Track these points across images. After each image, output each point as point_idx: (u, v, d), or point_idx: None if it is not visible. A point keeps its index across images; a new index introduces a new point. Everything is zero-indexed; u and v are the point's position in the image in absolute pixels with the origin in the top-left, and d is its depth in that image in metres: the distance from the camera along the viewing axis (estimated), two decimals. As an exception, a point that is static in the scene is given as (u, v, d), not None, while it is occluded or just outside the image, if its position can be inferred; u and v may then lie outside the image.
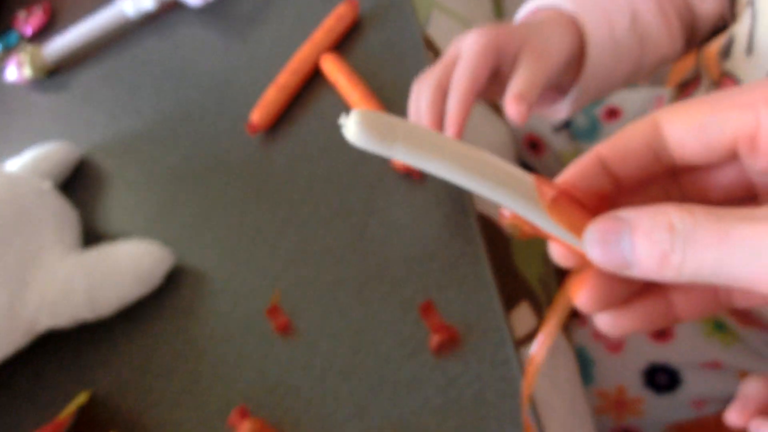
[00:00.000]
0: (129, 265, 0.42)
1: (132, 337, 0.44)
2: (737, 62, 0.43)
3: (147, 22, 0.67)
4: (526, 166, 0.76)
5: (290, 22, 0.62)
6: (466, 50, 0.41)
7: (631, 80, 0.50)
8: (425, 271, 0.44)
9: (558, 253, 0.24)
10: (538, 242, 0.56)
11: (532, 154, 0.74)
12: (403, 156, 0.22)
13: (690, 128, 0.23)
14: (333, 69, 0.55)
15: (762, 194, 0.24)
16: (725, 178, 0.25)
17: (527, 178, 0.23)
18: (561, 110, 0.49)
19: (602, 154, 0.24)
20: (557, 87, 0.49)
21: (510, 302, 0.47)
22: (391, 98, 0.53)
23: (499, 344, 0.40)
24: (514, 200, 0.23)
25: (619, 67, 0.46)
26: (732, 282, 0.19)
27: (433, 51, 0.59)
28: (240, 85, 0.58)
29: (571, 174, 0.25)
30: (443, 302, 0.43)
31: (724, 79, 0.46)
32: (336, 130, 0.53)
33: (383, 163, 0.49)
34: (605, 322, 0.25)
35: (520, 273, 0.50)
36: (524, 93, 0.38)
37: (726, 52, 0.45)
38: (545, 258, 0.56)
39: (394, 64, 0.56)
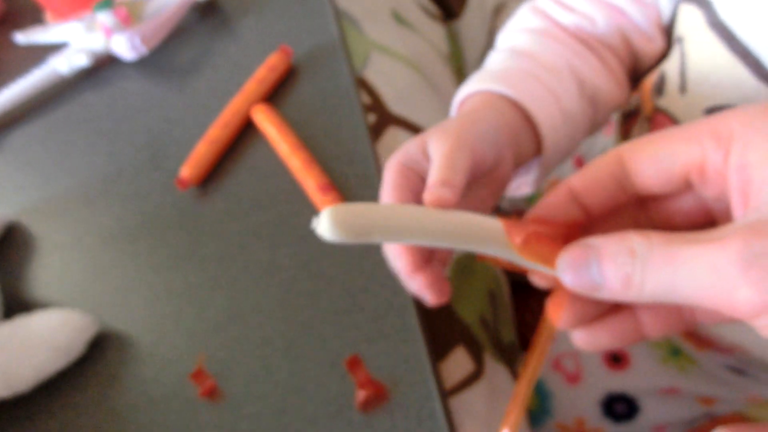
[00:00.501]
0: (46, 336, 0.41)
1: (52, 411, 0.43)
2: (671, 99, 0.43)
3: (82, 78, 0.66)
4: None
5: (226, 71, 0.62)
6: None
7: (587, 137, 0.48)
8: (354, 323, 0.43)
9: (535, 278, 0.27)
10: (478, 280, 0.55)
11: None
12: (379, 241, 0.25)
13: (647, 161, 0.25)
14: (264, 120, 0.54)
15: (719, 219, 0.26)
16: (686, 205, 0.27)
17: (497, 226, 0.26)
18: (523, 186, 0.45)
19: (573, 186, 0.27)
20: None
21: (445, 348, 0.46)
22: (322, 147, 0.53)
23: (426, 398, 0.39)
24: (488, 248, 0.26)
25: (575, 134, 0.43)
26: (683, 300, 0.21)
27: (370, 94, 0.59)
28: (174, 139, 0.58)
29: (543, 206, 0.28)
30: (371, 356, 0.42)
31: (658, 115, 0.45)
32: (267, 182, 0.52)
33: (313, 213, 0.49)
34: (580, 337, 0.27)
35: (457, 315, 0.49)
36: (443, 176, 0.30)
37: (659, 89, 0.45)
38: (487, 296, 0.55)
39: (327, 112, 0.56)
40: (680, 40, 0.41)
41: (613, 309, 0.27)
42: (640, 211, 0.28)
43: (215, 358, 0.44)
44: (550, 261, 0.25)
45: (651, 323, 0.27)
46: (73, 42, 0.66)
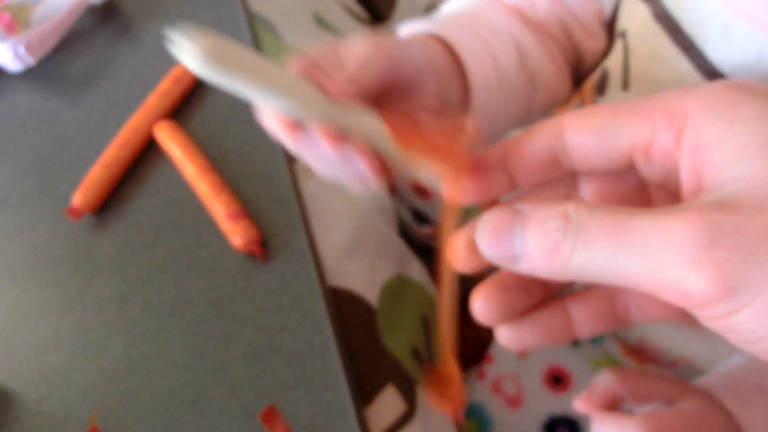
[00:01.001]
0: None
1: None
2: (613, 98, 0.41)
3: (-40, 93, 0.59)
4: (416, 211, 0.72)
5: (126, 83, 0.56)
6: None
7: (522, 121, 0.47)
8: (270, 368, 0.39)
9: (458, 260, 0.23)
10: (409, 306, 0.52)
11: (419, 196, 0.71)
12: (244, 85, 0.23)
13: (590, 133, 0.23)
14: (167, 139, 0.49)
15: (658, 205, 0.24)
16: (623, 187, 0.25)
17: (374, 117, 0.26)
18: None
19: (505, 149, 0.25)
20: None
21: (372, 389, 0.42)
22: (233, 167, 0.48)
23: (351, 451, 0.36)
24: (360, 128, 0.26)
25: (509, 104, 0.42)
26: (617, 280, 0.19)
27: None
28: (67, 161, 0.52)
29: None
30: (290, 404, 0.37)
31: None
32: (172, 209, 0.47)
33: (223, 244, 0.44)
34: (506, 335, 0.25)
35: (387, 350, 0.46)
36: (351, 76, 0.28)
37: (600, 87, 0.43)
38: (420, 322, 0.52)
39: (239, 128, 0.51)
40: (624, 34, 0.40)
41: (542, 304, 0.25)
42: (572, 189, 0.26)
43: (112, 415, 0.39)
44: (424, 158, 0.25)
45: (582, 320, 0.25)
46: (-52, 51, 0.58)
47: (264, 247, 0.44)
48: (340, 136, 0.27)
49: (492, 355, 0.60)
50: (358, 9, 0.87)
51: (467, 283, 0.27)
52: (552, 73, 0.46)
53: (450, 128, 0.28)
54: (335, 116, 0.26)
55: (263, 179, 0.47)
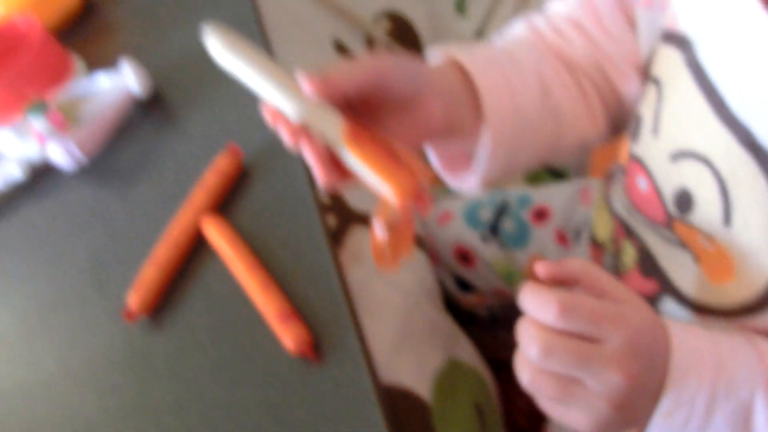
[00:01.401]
0: None
1: None
2: (644, 144, 0.41)
3: (18, 194, 0.61)
4: (460, 279, 0.72)
5: (172, 173, 0.57)
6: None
7: (549, 157, 0.48)
8: (329, 479, 0.39)
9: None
10: (462, 395, 0.51)
11: (463, 265, 0.71)
12: (245, 72, 0.35)
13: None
14: (215, 235, 0.50)
15: None
16: None
17: (338, 118, 0.34)
18: (469, 180, 0.46)
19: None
20: (465, 154, 0.46)
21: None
22: (280, 261, 0.49)
23: None
24: (321, 126, 0.34)
25: (529, 137, 0.44)
26: None
27: (329, 195, 0.55)
28: (120, 258, 0.53)
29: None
30: None
31: (632, 163, 0.43)
32: (224, 308, 0.48)
33: (275, 345, 0.44)
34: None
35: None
36: (329, 71, 0.35)
37: (634, 133, 0.43)
38: (474, 411, 0.51)
39: (284, 219, 0.52)
40: (657, 81, 0.40)
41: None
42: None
43: None
44: (375, 166, 0.33)
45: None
46: (4, 152, 0.61)
47: (315, 348, 0.44)
48: (299, 129, 0.34)
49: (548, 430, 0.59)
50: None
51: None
52: (582, 111, 0.46)
53: (408, 156, 0.34)
54: (300, 110, 0.34)
55: (309, 272, 0.48)
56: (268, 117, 0.35)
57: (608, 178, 0.55)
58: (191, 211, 0.52)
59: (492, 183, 0.46)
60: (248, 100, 0.60)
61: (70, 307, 0.52)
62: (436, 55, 0.44)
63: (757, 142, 0.32)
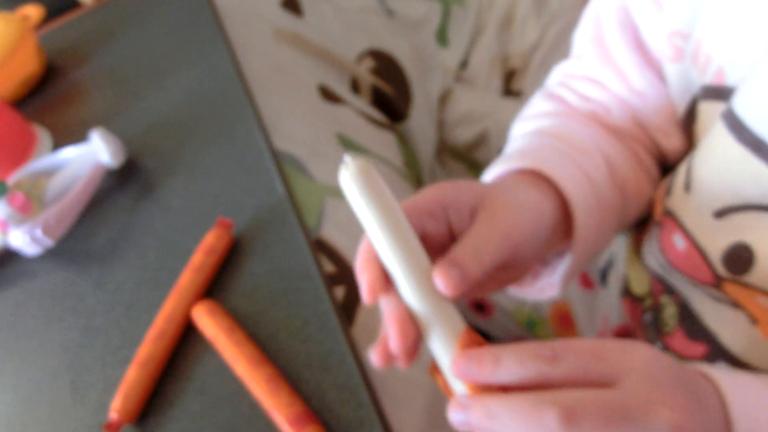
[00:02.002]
0: None
1: None
2: (677, 200, 0.38)
3: (-22, 284, 0.54)
4: (477, 329, 0.66)
5: (154, 256, 0.51)
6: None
7: (618, 230, 0.43)
8: None
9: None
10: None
11: (479, 315, 0.65)
12: (374, 218, 0.28)
13: None
14: (209, 324, 0.43)
15: None
16: None
17: (459, 324, 0.28)
18: (550, 287, 0.40)
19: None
20: (540, 260, 0.41)
21: None
22: (286, 348, 0.42)
23: None
24: (434, 332, 0.27)
25: (606, 224, 0.40)
26: None
27: (333, 259, 0.49)
28: (98, 356, 0.46)
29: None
30: None
31: (665, 219, 0.39)
32: (223, 409, 0.41)
33: (289, 454, 0.38)
34: None
35: None
36: (461, 259, 0.28)
37: (669, 188, 0.39)
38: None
39: (285, 296, 0.45)
40: (693, 136, 0.37)
41: None
42: None
43: None
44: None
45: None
46: (-39, 240, 0.54)
47: (337, 453, 0.37)
48: (407, 320, 0.28)
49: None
50: (377, 114, 0.84)
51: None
52: (640, 179, 0.43)
53: None
54: (423, 307, 0.27)
55: (321, 359, 0.41)
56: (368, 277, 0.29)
57: (637, 227, 0.50)
58: (178, 296, 0.45)
59: (569, 283, 0.41)
60: (233, 164, 0.55)
61: (41, 418, 0.44)
62: (497, 169, 0.39)
63: None
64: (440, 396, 0.45)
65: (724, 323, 0.37)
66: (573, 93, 0.45)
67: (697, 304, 0.39)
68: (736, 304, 0.35)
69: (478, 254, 0.28)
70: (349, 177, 0.27)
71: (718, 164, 0.32)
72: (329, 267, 0.48)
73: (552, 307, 0.62)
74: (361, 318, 0.46)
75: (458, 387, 0.27)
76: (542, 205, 0.34)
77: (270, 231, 0.49)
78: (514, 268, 0.33)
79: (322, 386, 0.40)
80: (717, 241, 0.34)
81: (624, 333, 0.55)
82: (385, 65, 0.90)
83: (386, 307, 0.28)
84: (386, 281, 0.28)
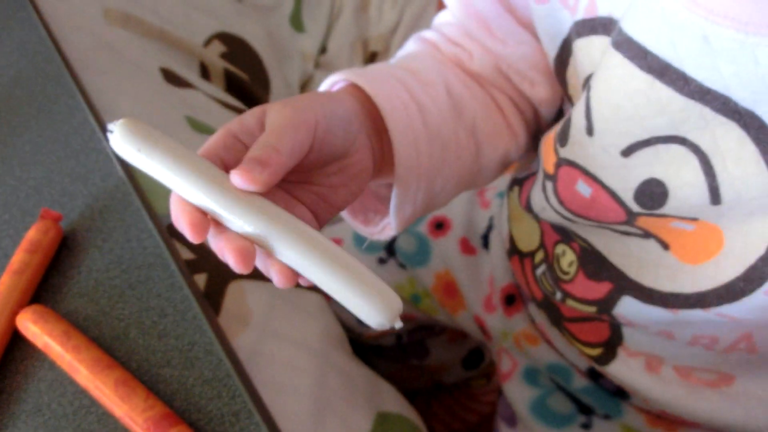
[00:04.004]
0: None
1: None
2: (578, 146, 0.36)
3: None
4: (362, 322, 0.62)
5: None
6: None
7: (470, 182, 0.41)
8: None
9: None
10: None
11: None
12: (156, 168, 0.25)
13: None
14: (36, 332, 0.36)
15: None
16: None
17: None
18: (388, 225, 0.38)
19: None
20: (378, 197, 0.40)
21: None
22: (139, 348, 0.36)
23: None
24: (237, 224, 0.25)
25: (447, 161, 0.38)
26: None
27: (187, 243, 0.43)
28: None
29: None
30: None
31: (562, 169, 0.38)
32: (66, 425, 0.34)
33: (151, 467, 0.32)
34: None
35: None
36: (255, 155, 0.26)
37: (562, 138, 0.37)
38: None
39: (137, 292, 0.39)
40: (587, 78, 0.34)
41: None
42: None
43: None
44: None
45: None
46: None
47: (210, 455, 0.32)
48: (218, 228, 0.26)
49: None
50: (232, 100, 0.78)
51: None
52: (499, 125, 0.41)
53: None
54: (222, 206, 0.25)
55: (183, 356, 0.36)
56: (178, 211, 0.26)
57: (518, 184, 0.49)
58: (-3, 305, 0.37)
59: (410, 222, 0.38)
60: (56, 149, 0.47)
61: None
62: (329, 80, 0.37)
63: (739, 107, 0.27)
64: (327, 379, 0.41)
65: (631, 256, 0.37)
66: (442, 37, 0.43)
67: (601, 245, 0.38)
68: (647, 235, 0.35)
69: (274, 147, 0.27)
70: (119, 139, 0.25)
71: (621, 99, 0.31)
72: (187, 254, 0.42)
73: (435, 278, 0.60)
74: (228, 305, 0.41)
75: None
76: (346, 101, 0.33)
77: (109, 220, 0.42)
78: (330, 164, 0.31)
79: (186, 384, 0.35)
80: (627, 180, 0.33)
81: (513, 291, 0.54)
82: (237, 50, 0.85)
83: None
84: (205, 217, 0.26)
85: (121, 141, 0.25)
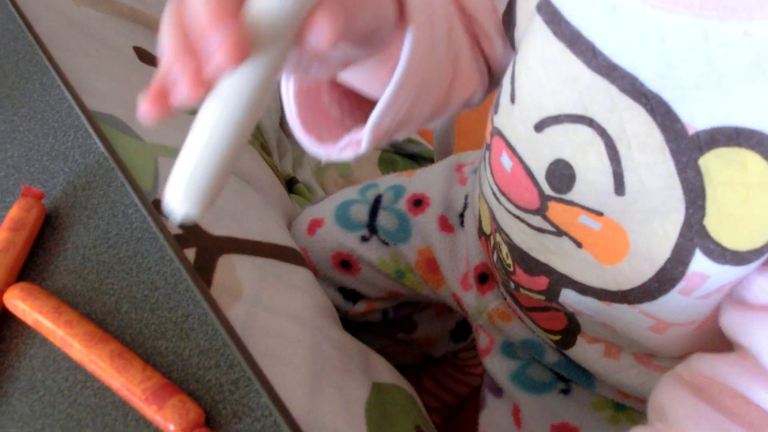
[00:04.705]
0: None
1: None
2: (504, 115, 0.34)
3: None
4: (345, 290, 0.62)
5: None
6: None
7: (438, 112, 0.39)
8: None
9: None
10: (402, 421, 0.42)
11: (346, 273, 0.61)
12: None
13: None
14: (26, 309, 0.35)
15: None
16: None
17: None
18: (350, 144, 0.35)
19: None
20: (329, 117, 0.36)
21: None
22: (132, 320, 0.36)
23: None
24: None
25: (435, 78, 0.35)
26: None
27: (180, 225, 0.43)
28: None
29: None
30: None
31: (495, 140, 0.36)
32: (67, 405, 0.34)
33: (152, 437, 0.32)
34: None
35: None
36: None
37: (496, 104, 0.36)
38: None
39: (126, 267, 0.38)
40: (518, 39, 0.33)
41: None
42: None
43: None
44: None
45: None
46: None
47: (210, 423, 0.32)
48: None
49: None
50: (207, 80, 0.77)
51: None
52: (473, 64, 0.40)
53: None
54: None
55: (177, 327, 0.36)
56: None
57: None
58: (-20, 286, 0.36)
59: (382, 141, 0.35)
60: (33, 127, 0.46)
61: None
62: None
63: (645, 88, 0.26)
64: (321, 350, 0.41)
65: (552, 253, 0.36)
66: None
67: (520, 241, 0.38)
68: (559, 231, 0.34)
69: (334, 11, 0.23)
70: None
71: (537, 67, 0.29)
72: (174, 229, 0.42)
73: (417, 254, 0.60)
74: (218, 279, 0.41)
75: None
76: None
77: (93, 196, 0.41)
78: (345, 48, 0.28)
79: (183, 354, 0.35)
80: (540, 158, 0.32)
81: (485, 269, 0.54)
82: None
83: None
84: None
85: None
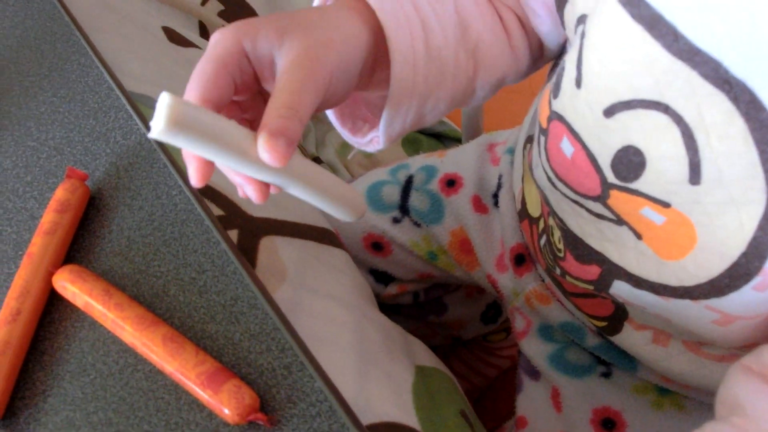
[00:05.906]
0: None
1: None
2: (567, 99, 0.34)
3: None
4: (376, 272, 0.62)
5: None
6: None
7: (460, 100, 0.40)
8: None
9: None
10: (447, 414, 0.42)
11: (377, 255, 0.61)
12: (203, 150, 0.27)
13: None
14: (76, 292, 0.35)
15: None
16: None
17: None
18: (375, 138, 0.39)
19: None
20: (366, 102, 0.40)
21: None
22: (180, 304, 0.35)
23: None
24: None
25: (443, 82, 0.37)
26: None
27: (219, 201, 0.43)
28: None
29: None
30: None
31: (554, 125, 0.36)
32: (119, 388, 0.34)
33: (210, 420, 0.32)
34: None
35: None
36: (281, 126, 0.27)
37: (556, 89, 0.35)
38: (463, 423, 0.42)
39: (171, 249, 0.38)
40: (583, 21, 0.32)
41: None
42: None
43: None
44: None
45: None
46: None
47: (264, 408, 0.32)
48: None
49: (525, 418, 0.52)
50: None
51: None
52: (503, 48, 0.40)
53: None
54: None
55: (227, 311, 0.35)
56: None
57: (531, 142, 0.48)
58: (30, 266, 0.36)
59: (398, 138, 0.39)
60: (73, 108, 0.45)
61: None
62: None
63: (729, 75, 0.25)
64: (366, 332, 0.41)
65: (609, 241, 0.35)
66: None
67: (576, 227, 0.37)
68: (619, 220, 0.33)
69: (296, 113, 0.28)
70: (164, 131, 0.24)
71: (610, 50, 0.28)
72: (217, 211, 0.42)
73: (450, 235, 0.60)
74: (262, 260, 0.40)
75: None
76: (356, 39, 0.33)
77: (136, 178, 0.41)
78: (326, 102, 0.32)
79: (233, 339, 0.34)
80: (607, 144, 0.31)
81: (522, 251, 0.54)
82: (235, 8, 0.82)
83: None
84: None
85: (166, 133, 0.25)
